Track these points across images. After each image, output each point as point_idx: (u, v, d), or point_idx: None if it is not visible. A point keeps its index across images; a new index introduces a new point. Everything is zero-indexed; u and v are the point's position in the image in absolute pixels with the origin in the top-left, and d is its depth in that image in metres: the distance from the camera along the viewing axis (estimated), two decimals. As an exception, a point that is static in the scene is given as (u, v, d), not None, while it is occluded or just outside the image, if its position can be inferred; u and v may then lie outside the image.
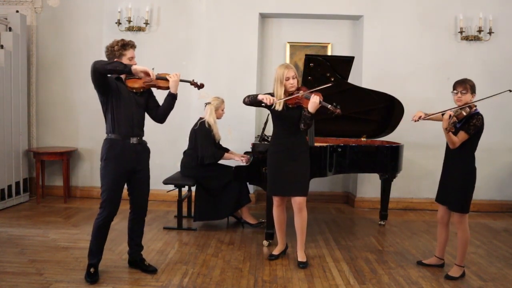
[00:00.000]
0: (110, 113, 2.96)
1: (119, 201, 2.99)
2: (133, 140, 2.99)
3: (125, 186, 3.06)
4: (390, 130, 4.62)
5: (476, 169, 3.13)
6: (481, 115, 3.05)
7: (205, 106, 4.37)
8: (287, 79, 3.27)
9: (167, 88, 3.07)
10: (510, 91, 3.16)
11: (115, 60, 2.93)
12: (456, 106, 3.08)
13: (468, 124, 3.03)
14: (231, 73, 5.34)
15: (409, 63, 5.27)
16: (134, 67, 2.84)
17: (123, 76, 3.01)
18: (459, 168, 3.11)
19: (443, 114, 3.05)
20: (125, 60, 2.95)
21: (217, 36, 5.35)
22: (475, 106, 3.06)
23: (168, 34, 5.40)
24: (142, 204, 3.16)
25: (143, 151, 3.10)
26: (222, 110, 4.40)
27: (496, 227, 4.62)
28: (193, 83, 3.25)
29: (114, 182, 2.93)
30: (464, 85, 3.07)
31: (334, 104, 3.13)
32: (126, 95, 2.97)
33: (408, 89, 5.16)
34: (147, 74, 2.87)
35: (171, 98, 3.11)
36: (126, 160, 2.96)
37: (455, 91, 3.12)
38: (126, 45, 2.96)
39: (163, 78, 3.06)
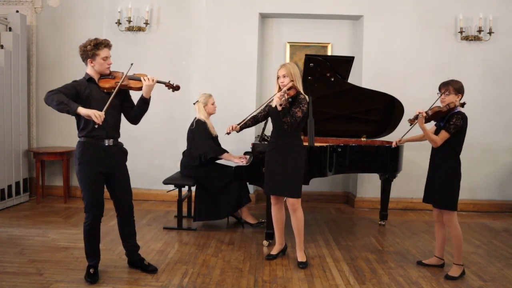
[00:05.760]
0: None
1: (102, 203, 2.93)
2: (108, 142, 2.90)
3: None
4: (390, 130, 4.62)
5: (460, 167, 3.17)
6: (462, 114, 3.10)
7: (194, 105, 4.38)
8: (278, 77, 3.33)
9: (140, 89, 2.95)
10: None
11: (89, 65, 2.85)
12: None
13: (448, 123, 3.09)
14: (231, 73, 5.34)
15: (409, 63, 5.27)
16: (79, 110, 2.65)
17: (96, 77, 2.90)
18: (441, 166, 3.18)
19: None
20: (99, 60, 2.85)
21: (217, 36, 5.35)
22: (455, 105, 3.11)
23: (168, 34, 5.40)
24: (126, 204, 3.08)
25: (118, 153, 2.99)
26: (213, 104, 4.35)
27: (496, 227, 4.62)
28: (168, 85, 3.09)
29: (92, 185, 2.86)
30: (447, 87, 3.14)
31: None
32: (99, 96, 2.86)
33: (408, 89, 5.16)
34: (89, 118, 2.65)
35: (143, 102, 3.00)
36: (99, 163, 2.87)
37: (438, 93, 3.18)
38: (100, 44, 2.84)
39: (136, 78, 2.95)
